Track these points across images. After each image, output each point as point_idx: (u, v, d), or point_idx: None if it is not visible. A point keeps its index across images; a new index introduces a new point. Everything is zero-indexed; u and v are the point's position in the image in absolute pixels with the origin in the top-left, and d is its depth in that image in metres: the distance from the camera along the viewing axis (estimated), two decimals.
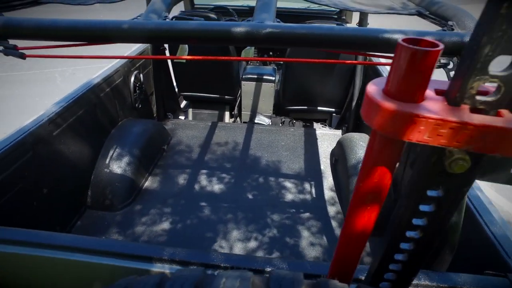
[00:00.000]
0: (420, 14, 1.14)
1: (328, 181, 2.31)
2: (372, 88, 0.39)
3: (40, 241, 0.98)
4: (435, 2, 1.13)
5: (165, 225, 1.93)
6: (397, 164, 0.44)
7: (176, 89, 3.16)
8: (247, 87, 3.05)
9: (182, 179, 2.28)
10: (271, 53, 3.53)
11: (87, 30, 0.94)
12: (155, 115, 2.97)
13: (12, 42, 1.04)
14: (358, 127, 2.73)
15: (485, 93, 0.36)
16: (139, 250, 0.95)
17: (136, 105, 2.55)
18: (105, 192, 1.99)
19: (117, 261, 0.93)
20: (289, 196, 2.18)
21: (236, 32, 0.89)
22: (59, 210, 1.77)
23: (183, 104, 3.39)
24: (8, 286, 1.06)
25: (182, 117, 3.28)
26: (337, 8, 1.20)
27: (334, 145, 2.48)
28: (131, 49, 2.62)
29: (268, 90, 3.05)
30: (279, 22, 0.98)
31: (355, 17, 3.24)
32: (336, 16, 3.41)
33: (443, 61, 0.92)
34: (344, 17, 3.39)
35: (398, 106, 0.35)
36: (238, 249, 1.80)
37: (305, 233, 1.92)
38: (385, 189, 0.46)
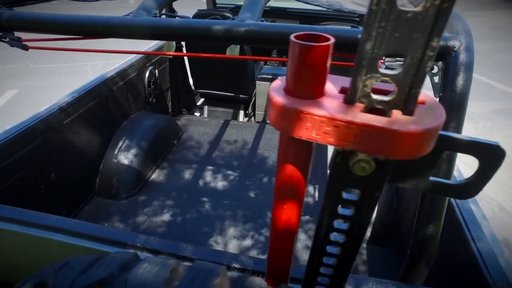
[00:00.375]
0: None
1: None
2: (276, 84, 0.39)
3: (29, 220, 1.04)
4: None
5: (166, 217, 1.98)
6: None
7: (193, 86, 3.22)
8: (262, 87, 3.06)
9: (188, 174, 2.33)
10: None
11: (80, 25, 1.00)
12: (170, 110, 3.05)
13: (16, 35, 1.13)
14: None
15: (386, 92, 0.35)
16: (114, 235, 0.98)
17: (150, 99, 2.63)
18: (112, 181, 2.08)
19: (92, 244, 0.98)
20: None
21: (215, 30, 0.90)
22: (66, 195, 1.86)
23: (200, 101, 3.46)
24: (3, 262, 1.14)
25: (197, 114, 3.35)
26: (331, 9, 1.18)
27: None
28: (149, 45, 2.71)
29: None
30: (263, 21, 0.98)
31: None
32: (358, 19, 3.33)
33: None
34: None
35: (286, 101, 0.35)
36: (232, 246, 1.81)
37: (301, 236, 1.89)
38: (299, 186, 0.45)
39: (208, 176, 2.33)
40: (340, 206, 0.46)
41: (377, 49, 0.32)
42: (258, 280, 0.51)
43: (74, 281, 0.52)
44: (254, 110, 3.23)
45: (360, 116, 0.33)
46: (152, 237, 0.99)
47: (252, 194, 2.18)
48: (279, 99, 0.36)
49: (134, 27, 0.95)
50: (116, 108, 2.25)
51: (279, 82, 0.39)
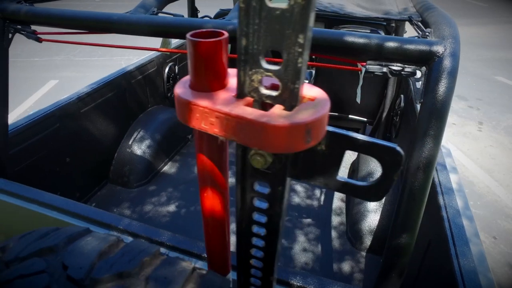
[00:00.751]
0: (410, 20, 1.06)
1: None
2: (185, 78, 0.41)
3: (32, 197, 1.14)
4: (428, 7, 1.04)
5: (171, 208, 2.05)
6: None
7: None
8: None
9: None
10: None
11: (84, 20, 1.08)
12: None
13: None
14: (388, 140, 2.58)
15: (275, 87, 0.36)
16: (99, 216, 1.05)
17: (169, 94, 2.73)
18: (124, 170, 2.19)
19: (77, 222, 1.05)
20: (295, 199, 2.16)
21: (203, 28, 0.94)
22: (81, 179, 1.99)
23: None
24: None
25: None
26: (339, 14, 1.17)
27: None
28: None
29: None
30: None
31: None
32: (385, 23, 3.23)
33: (408, 70, 0.85)
34: (393, 25, 3.19)
35: (181, 93, 0.37)
36: (233, 239, 1.84)
37: (301, 238, 1.88)
38: (216, 177, 0.47)
39: None
40: (256, 198, 0.47)
41: (256, 44, 0.33)
42: (185, 264, 0.53)
43: (27, 246, 0.57)
44: None
45: (238, 108, 0.34)
46: (134, 221, 1.04)
47: None
48: (177, 90, 0.38)
49: (131, 24, 1.01)
50: (134, 101, 2.36)
51: (188, 77, 0.41)
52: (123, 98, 2.25)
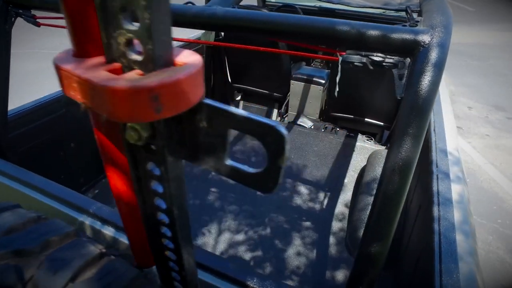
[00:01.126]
0: (406, 10, 0.97)
1: (346, 196, 2.12)
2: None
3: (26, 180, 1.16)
4: None
5: None
6: None
7: (230, 80, 3.28)
8: (296, 87, 3.00)
9: None
10: None
11: None
12: None
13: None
14: None
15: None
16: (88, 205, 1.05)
17: None
18: None
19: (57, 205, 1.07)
20: (297, 201, 2.09)
21: (187, 14, 0.92)
22: (85, 165, 2.04)
23: (238, 96, 3.51)
24: None
25: None
26: (332, 3, 1.10)
27: None
28: (189, 35, 2.83)
29: (316, 93, 2.94)
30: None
31: None
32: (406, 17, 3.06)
33: (389, 61, 0.77)
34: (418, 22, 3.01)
35: (56, 58, 0.34)
36: (224, 238, 1.81)
37: (297, 241, 1.82)
38: (120, 160, 0.43)
39: None
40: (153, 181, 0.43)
41: (112, 0, 0.29)
42: (93, 248, 0.51)
43: None
44: (287, 110, 3.18)
45: (89, 71, 0.31)
46: (104, 206, 1.03)
47: (261, 193, 2.15)
48: (56, 56, 0.35)
49: None
50: None
51: None
52: None
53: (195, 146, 0.37)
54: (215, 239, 1.80)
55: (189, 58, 0.34)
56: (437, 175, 1.25)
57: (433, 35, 0.73)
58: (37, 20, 1.25)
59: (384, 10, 3.10)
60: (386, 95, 2.57)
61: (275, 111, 3.35)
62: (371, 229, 0.79)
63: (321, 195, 2.15)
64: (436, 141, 1.47)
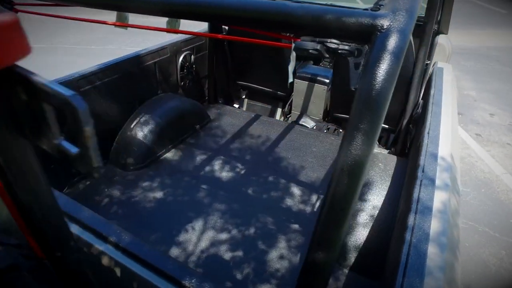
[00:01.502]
0: None
1: None
2: None
3: None
4: None
5: (159, 194, 2.03)
6: None
7: (234, 77, 3.24)
8: (300, 86, 2.92)
9: (199, 160, 2.35)
10: None
11: None
12: (206, 97, 3.13)
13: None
14: (403, 151, 2.30)
15: None
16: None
17: (182, 83, 2.73)
18: (122, 152, 2.22)
19: None
20: (288, 203, 2.01)
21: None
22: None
23: (243, 94, 3.47)
24: None
25: (236, 105, 3.36)
26: None
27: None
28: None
29: (320, 93, 2.85)
30: None
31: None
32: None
33: (345, 47, 0.70)
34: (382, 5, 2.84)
35: None
36: (207, 236, 1.76)
37: (281, 244, 1.74)
38: None
39: (217, 165, 2.31)
40: None
41: None
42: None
43: None
44: (290, 109, 3.10)
45: None
46: (85, 209, 0.99)
47: (251, 191, 2.09)
48: None
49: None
50: (142, 86, 2.39)
51: None
52: (130, 82, 2.28)
53: (27, 122, 0.32)
54: (198, 237, 1.76)
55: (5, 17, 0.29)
56: (421, 181, 1.15)
57: (393, 20, 0.65)
58: (15, 6, 1.25)
59: None
60: (392, 96, 2.44)
61: (279, 110, 3.28)
62: (317, 235, 0.72)
63: (314, 198, 2.06)
64: (427, 144, 1.36)
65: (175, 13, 0.80)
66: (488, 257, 2.69)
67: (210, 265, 1.61)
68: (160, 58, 2.48)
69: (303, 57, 3.29)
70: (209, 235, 1.78)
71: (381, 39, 0.65)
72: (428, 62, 2.47)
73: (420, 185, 1.12)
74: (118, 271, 0.87)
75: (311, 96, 2.90)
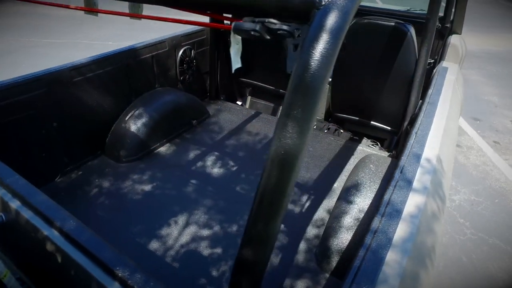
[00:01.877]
0: None
1: (330, 201, 1.95)
2: None
3: None
4: None
5: (147, 187, 2.02)
6: None
7: (237, 74, 3.20)
8: None
9: (192, 155, 2.33)
10: None
11: None
12: (208, 93, 3.11)
13: None
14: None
15: None
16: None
17: (181, 78, 2.72)
18: (116, 144, 2.23)
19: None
20: None
21: None
22: (69, 145, 2.07)
23: (247, 91, 3.42)
24: None
25: (239, 102, 3.32)
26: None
27: None
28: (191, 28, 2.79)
29: None
30: None
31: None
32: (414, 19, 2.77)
33: (284, 28, 0.64)
34: (447, 25, 2.70)
35: None
36: (188, 231, 1.73)
37: None
38: None
39: (209, 161, 2.28)
40: None
41: None
42: None
43: None
44: None
45: None
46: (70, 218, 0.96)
47: (239, 188, 2.05)
48: None
49: None
50: (139, 79, 2.40)
51: None
52: (126, 74, 2.29)
53: None
54: (179, 231, 1.73)
55: None
56: (397, 182, 1.06)
57: None
58: None
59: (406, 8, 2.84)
60: (393, 97, 2.33)
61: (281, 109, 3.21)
62: (248, 233, 0.66)
63: (304, 198, 1.99)
64: (412, 144, 1.27)
65: None
66: (497, 271, 2.51)
67: (187, 260, 1.58)
68: (158, 51, 2.47)
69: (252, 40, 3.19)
70: (191, 230, 1.74)
71: (319, 17, 0.59)
72: (432, 61, 2.34)
73: (395, 186, 1.04)
74: (59, 257, 0.85)
75: None
